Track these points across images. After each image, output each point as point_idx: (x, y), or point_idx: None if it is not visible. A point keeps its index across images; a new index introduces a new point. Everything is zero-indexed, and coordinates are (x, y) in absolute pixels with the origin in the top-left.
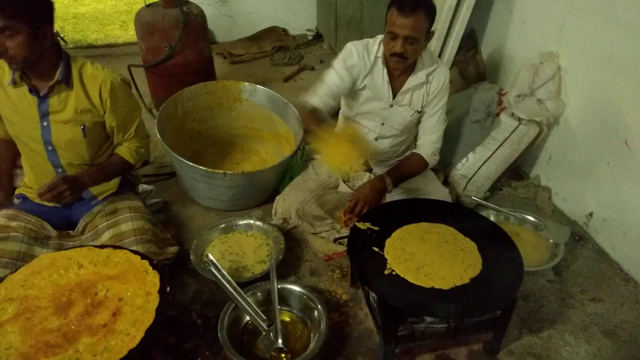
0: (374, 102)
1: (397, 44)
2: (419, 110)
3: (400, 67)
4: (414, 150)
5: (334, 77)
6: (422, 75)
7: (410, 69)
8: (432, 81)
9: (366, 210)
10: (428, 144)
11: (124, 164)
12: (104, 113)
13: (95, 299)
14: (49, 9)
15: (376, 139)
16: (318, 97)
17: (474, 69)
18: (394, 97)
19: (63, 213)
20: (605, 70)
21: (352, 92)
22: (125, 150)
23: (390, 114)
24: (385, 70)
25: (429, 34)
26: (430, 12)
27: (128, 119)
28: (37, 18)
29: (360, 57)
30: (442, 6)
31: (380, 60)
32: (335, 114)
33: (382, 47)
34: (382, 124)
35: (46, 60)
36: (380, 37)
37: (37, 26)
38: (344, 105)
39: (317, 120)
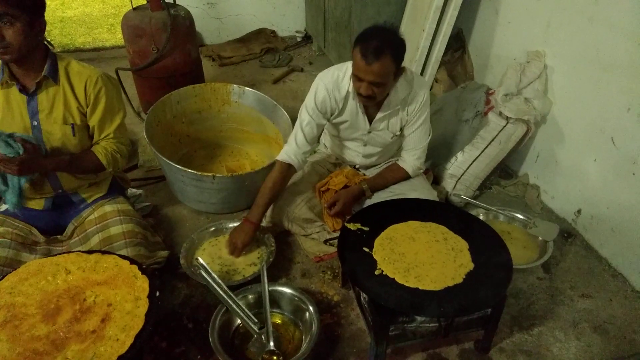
0: (352, 130)
1: (362, 87)
2: (397, 133)
3: (370, 104)
4: (398, 162)
5: (307, 119)
6: (396, 103)
7: (385, 97)
8: (408, 105)
9: (339, 208)
10: (412, 160)
11: (95, 164)
12: (87, 108)
13: (84, 305)
14: (44, 3)
15: (362, 156)
16: (295, 152)
17: (461, 69)
18: (370, 124)
19: (51, 217)
20: (591, 69)
21: (330, 122)
22: (100, 150)
23: (370, 138)
24: (359, 102)
25: (398, 72)
26: (397, 54)
27: (108, 117)
28: (34, 9)
29: (330, 96)
30: (430, 7)
31: (351, 95)
32: None
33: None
34: (365, 145)
35: (37, 55)
36: (350, 68)
37: (33, 17)
38: (328, 124)
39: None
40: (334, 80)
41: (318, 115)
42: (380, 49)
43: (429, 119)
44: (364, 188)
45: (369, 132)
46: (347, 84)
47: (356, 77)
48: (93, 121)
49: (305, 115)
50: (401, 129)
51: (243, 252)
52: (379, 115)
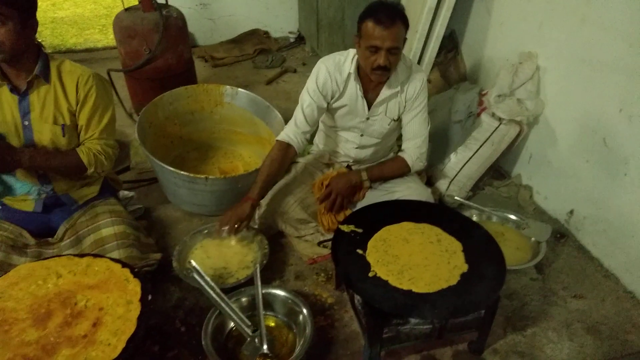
0: (351, 116)
1: (380, 57)
2: (395, 118)
3: (383, 79)
4: (399, 154)
5: (308, 101)
6: (396, 85)
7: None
8: (407, 89)
9: (339, 201)
10: (412, 149)
11: (76, 164)
12: (77, 106)
13: (75, 309)
14: (35, 2)
15: (357, 148)
16: (294, 132)
17: (454, 69)
18: (369, 109)
19: (42, 219)
20: (582, 70)
21: (329, 109)
22: (83, 150)
23: (367, 126)
24: (359, 85)
25: (404, 41)
26: (405, 20)
27: (95, 117)
28: (26, 8)
29: (332, 78)
30: (423, 8)
31: (353, 77)
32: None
33: (354, 63)
34: (362, 135)
35: (29, 54)
36: (352, 51)
37: (26, 16)
38: (324, 115)
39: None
40: (336, 63)
41: (319, 97)
42: (393, 14)
43: (427, 109)
44: (363, 179)
45: (367, 119)
46: (348, 67)
47: (372, 49)
48: (81, 120)
49: (306, 97)
50: (399, 116)
51: (237, 235)
52: (380, 97)
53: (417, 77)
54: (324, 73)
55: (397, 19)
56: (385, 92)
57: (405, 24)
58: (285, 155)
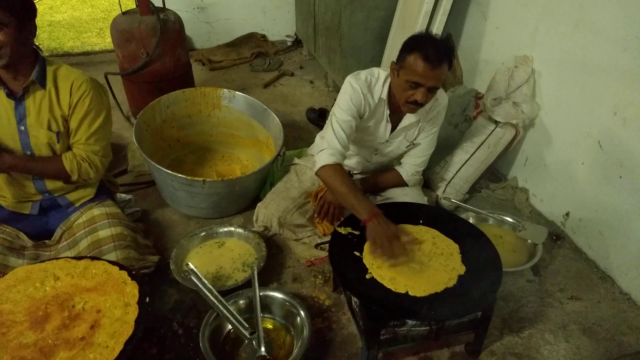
0: (371, 137)
1: (418, 93)
2: (413, 142)
3: (414, 112)
4: (396, 167)
5: (347, 119)
6: (422, 112)
7: None
8: (429, 116)
9: (332, 211)
10: (410, 166)
11: (58, 170)
12: (69, 110)
13: (73, 311)
14: (34, 7)
15: (365, 163)
16: (341, 152)
17: (451, 73)
18: (391, 132)
19: (39, 222)
20: (577, 73)
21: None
22: (68, 155)
23: (384, 147)
24: (388, 111)
25: None
26: (451, 59)
27: (85, 122)
28: (25, 13)
29: (365, 99)
30: (419, 11)
31: (385, 103)
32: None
33: (386, 88)
34: (375, 153)
35: (26, 60)
36: (382, 74)
37: (24, 21)
38: None
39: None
40: (368, 84)
41: (356, 116)
42: (441, 53)
43: (438, 133)
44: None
45: (386, 141)
46: (379, 91)
47: (413, 84)
48: (72, 124)
49: (343, 115)
50: (416, 139)
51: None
52: (403, 123)
53: (441, 105)
54: (358, 93)
55: (445, 58)
56: (410, 119)
57: (450, 63)
58: (344, 169)
